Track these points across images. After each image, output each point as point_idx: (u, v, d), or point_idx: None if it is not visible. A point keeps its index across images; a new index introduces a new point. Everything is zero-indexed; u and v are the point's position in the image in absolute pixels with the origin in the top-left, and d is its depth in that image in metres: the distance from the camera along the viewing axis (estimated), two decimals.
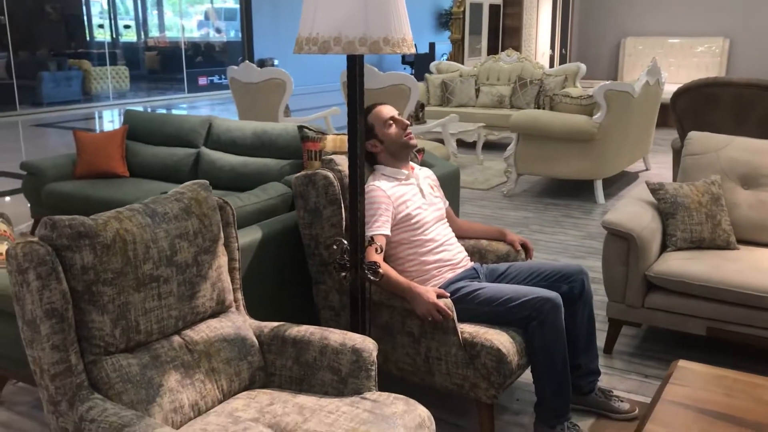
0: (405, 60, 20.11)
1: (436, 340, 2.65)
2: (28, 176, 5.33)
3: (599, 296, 3.50)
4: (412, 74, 10.88)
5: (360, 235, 2.47)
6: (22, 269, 1.86)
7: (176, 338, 2.15)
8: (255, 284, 2.82)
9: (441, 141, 7.28)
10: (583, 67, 9.19)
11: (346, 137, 2.89)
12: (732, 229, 3.48)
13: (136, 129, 5.52)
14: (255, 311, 2.51)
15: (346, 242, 2.49)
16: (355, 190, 2.44)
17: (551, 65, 12.59)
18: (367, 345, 2.23)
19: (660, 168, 7.79)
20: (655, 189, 3.52)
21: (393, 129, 2.92)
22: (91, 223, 1.94)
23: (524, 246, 3.15)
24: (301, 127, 4.60)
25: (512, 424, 2.87)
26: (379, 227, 2.77)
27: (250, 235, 2.82)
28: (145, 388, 1.98)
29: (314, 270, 2.94)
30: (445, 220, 3.06)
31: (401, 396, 2.16)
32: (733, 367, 3.12)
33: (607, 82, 6.17)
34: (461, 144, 9.05)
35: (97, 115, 13.98)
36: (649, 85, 6.77)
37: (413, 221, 2.86)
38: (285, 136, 4.77)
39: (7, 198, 6.69)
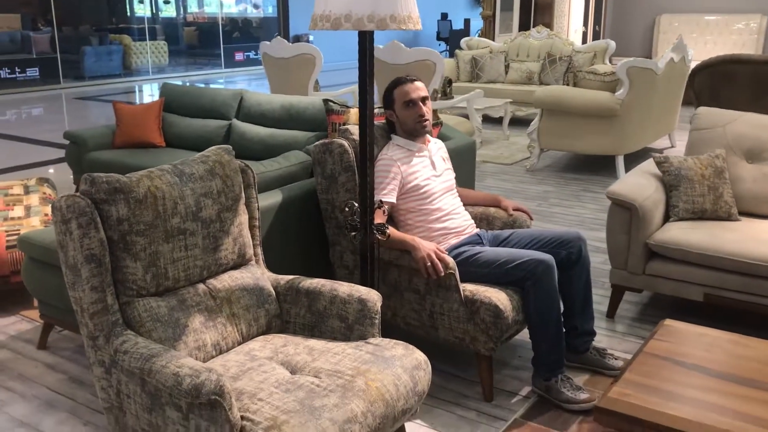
0: (440, 36, 20.11)
1: (439, 297, 2.87)
2: (71, 145, 5.65)
3: (605, 264, 3.67)
4: (446, 50, 10.91)
5: (369, 198, 2.69)
6: (66, 219, 2.12)
7: (201, 286, 2.41)
8: (276, 243, 3.07)
9: (468, 116, 7.43)
10: (612, 44, 9.22)
11: None
12: (734, 201, 3.61)
13: (172, 101, 5.79)
14: (276, 267, 2.75)
15: (357, 205, 2.71)
16: (365, 158, 2.65)
17: (584, 42, 12.57)
18: (372, 296, 2.46)
19: (685, 145, 7.83)
20: (660, 161, 3.67)
21: (409, 111, 3.09)
22: (125, 180, 2.19)
23: (520, 209, 3.34)
24: (326, 101, 4.81)
25: (512, 377, 3.08)
26: (386, 195, 2.99)
27: (272, 198, 3.06)
28: (172, 327, 2.24)
29: (331, 232, 3.18)
30: (455, 190, 3.25)
31: (401, 342, 2.39)
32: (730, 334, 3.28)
33: (630, 59, 6.25)
34: (488, 120, 9.18)
35: (136, 89, 14.38)
36: (674, 62, 6.82)
37: (421, 191, 3.06)
38: (311, 109, 4.98)
39: (51, 169, 7.05)
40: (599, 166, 6.84)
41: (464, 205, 3.40)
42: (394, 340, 2.40)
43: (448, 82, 8.16)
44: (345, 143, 3.03)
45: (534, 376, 2.94)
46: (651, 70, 6.33)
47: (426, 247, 2.80)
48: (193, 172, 2.39)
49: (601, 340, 3.37)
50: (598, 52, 9.10)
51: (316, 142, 3.11)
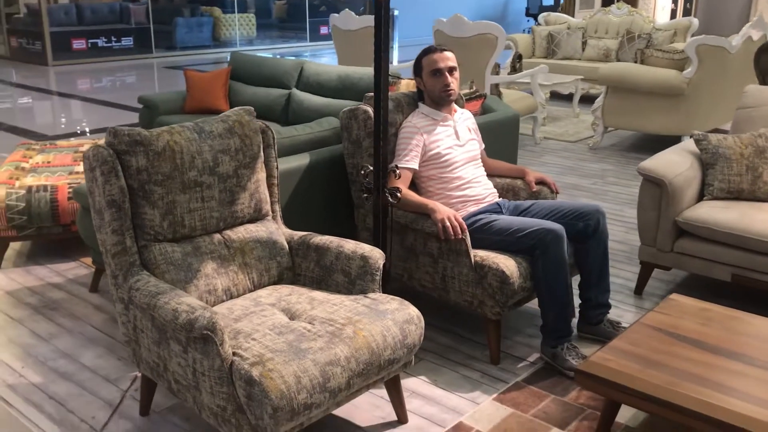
0: (529, 12, 19.75)
1: (451, 261, 2.97)
2: (144, 109, 5.99)
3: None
4: (535, 25, 10.68)
5: (382, 162, 2.81)
6: (92, 167, 2.34)
7: (217, 236, 2.60)
8: (303, 203, 3.24)
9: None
10: (695, 22, 8.88)
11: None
12: None
13: (238, 70, 6.05)
14: (301, 226, 2.89)
15: (371, 168, 2.84)
16: (378, 123, 2.77)
17: (672, 19, 12.11)
18: (374, 254, 2.59)
19: None
20: (699, 139, 3.61)
21: (435, 80, 3.17)
22: (146, 134, 2.40)
23: (545, 182, 3.37)
24: None
25: (523, 344, 3.15)
26: (408, 161, 3.10)
27: (300, 161, 3.22)
28: (185, 270, 2.44)
29: (356, 195, 3.32)
30: (478, 161, 3.32)
31: (398, 297, 2.51)
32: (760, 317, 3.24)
33: (701, 36, 6.05)
34: (558, 96, 9.07)
35: (226, 60, 14.86)
36: (752, 40, 6.54)
37: (442, 159, 3.15)
38: (366, 80, 5.11)
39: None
40: (664, 147, 6.65)
41: (491, 176, 3.47)
42: (392, 296, 2.52)
43: (518, 57, 8.11)
44: (369, 109, 3.14)
45: (542, 343, 3.00)
46: (723, 49, 6.12)
47: (445, 210, 2.90)
48: (212, 129, 2.57)
49: (623, 316, 3.39)
50: (679, 30, 8.80)
51: (344, 108, 3.24)
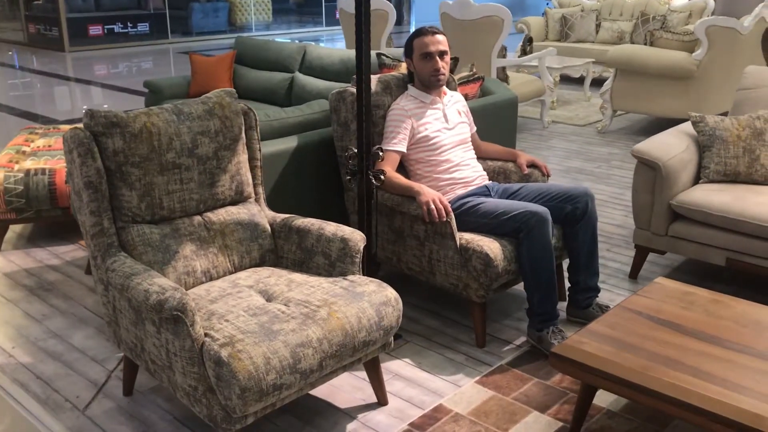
0: None
1: (436, 244, 2.95)
2: (150, 93, 6.02)
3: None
4: (548, 8, 10.53)
5: (366, 145, 2.80)
6: (70, 149, 2.36)
7: (197, 218, 2.61)
8: (291, 187, 3.24)
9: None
10: (711, 3, 8.71)
11: None
12: None
13: (243, 54, 6.04)
14: (290, 210, 2.88)
15: (355, 150, 2.83)
16: (361, 106, 2.75)
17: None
18: (354, 236, 2.58)
19: None
20: (696, 121, 3.55)
21: (425, 63, 3.14)
22: (123, 116, 2.41)
23: (536, 165, 3.33)
24: (379, 54, 4.91)
25: (511, 327, 3.13)
26: (396, 144, 3.08)
27: (287, 144, 3.21)
28: (162, 252, 2.45)
29: (344, 179, 3.31)
30: (469, 144, 3.29)
31: (377, 280, 2.50)
32: (756, 301, 3.20)
33: (711, 17, 5.94)
34: (570, 80, 8.98)
35: None
36: (766, 21, 6.40)
37: (430, 142, 3.13)
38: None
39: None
40: None
41: (483, 159, 3.44)
42: (371, 278, 2.52)
43: (529, 40, 8.03)
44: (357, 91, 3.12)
45: (528, 326, 2.98)
46: (734, 30, 5.99)
47: (430, 193, 2.88)
48: (191, 111, 2.58)
49: (615, 300, 3.36)
50: (695, 12, 8.64)
51: (333, 90, 3.23)
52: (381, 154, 2.92)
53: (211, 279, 2.57)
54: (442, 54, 3.14)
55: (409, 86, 3.26)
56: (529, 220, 2.80)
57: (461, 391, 2.67)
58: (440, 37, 3.16)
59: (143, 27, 13.92)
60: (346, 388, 2.70)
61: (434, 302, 3.35)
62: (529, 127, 6.93)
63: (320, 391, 2.66)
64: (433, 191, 2.91)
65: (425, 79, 3.16)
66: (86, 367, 2.85)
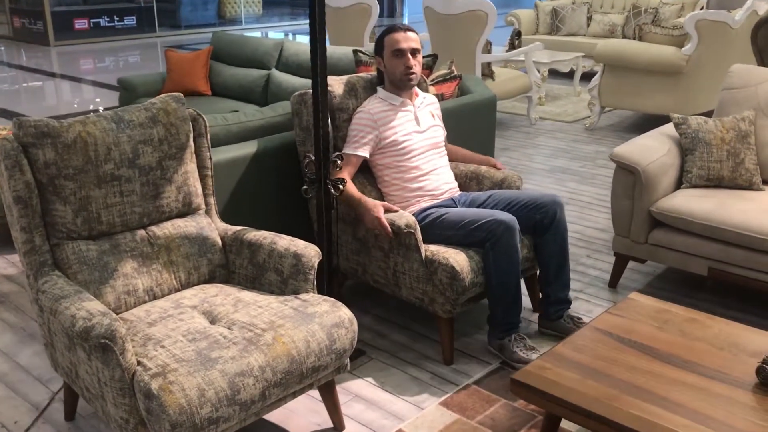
0: None
1: (401, 256, 2.79)
2: (123, 91, 5.84)
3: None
4: (539, 0, 10.31)
5: (323, 152, 2.64)
6: None
7: (140, 232, 2.45)
8: (251, 195, 3.07)
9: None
10: None
11: None
12: (758, 169, 3.29)
13: (220, 50, 5.87)
14: (248, 222, 2.72)
15: (312, 157, 2.66)
16: (317, 110, 2.59)
17: None
18: (308, 251, 2.42)
19: None
20: (679, 123, 3.39)
21: (396, 62, 2.97)
22: (55, 125, 2.24)
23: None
24: (355, 51, 4.74)
25: (481, 341, 2.97)
26: (357, 148, 2.92)
27: (244, 149, 3.03)
28: (99, 270, 2.29)
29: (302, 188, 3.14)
30: (442, 149, 3.13)
31: (331, 299, 2.35)
32: (739, 312, 3.05)
33: (701, 11, 5.76)
34: (559, 74, 8.80)
35: None
36: (758, 14, 6.22)
37: (399, 147, 2.97)
38: (345, 60, 4.90)
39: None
40: None
41: (457, 161, 3.29)
42: (324, 297, 2.36)
43: (517, 34, 7.85)
44: None
45: (489, 335, 2.85)
46: (725, 24, 5.82)
47: (374, 212, 2.72)
48: (132, 119, 2.41)
49: (592, 311, 3.21)
50: (687, 4, 8.45)
51: (295, 93, 3.06)
52: (339, 162, 2.76)
53: (155, 298, 2.41)
54: (414, 52, 2.98)
55: (378, 88, 3.10)
56: (495, 229, 2.65)
57: (423, 414, 2.52)
58: (412, 35, 3.00)
59: (130, 20, 13.69)
60: (301, 411, 2.55)
61: (402, 315, 3.20)
62: (516, 124, 6.76)
63: (273, 415, 2.51)
64: (377, 206, 2.74)
65: (396, 79, 3.00)
66: (29, 389, 2.70)
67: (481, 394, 2.63)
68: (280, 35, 15.03)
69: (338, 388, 2.65)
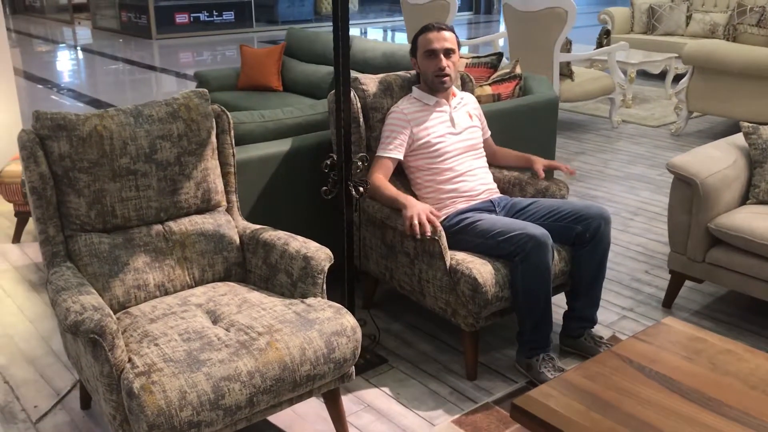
0: None
1: (425, 263, 2.68)
2: (199, 84, 5.97)
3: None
4: None
5: (346, 153, 2.56)
6: (19, 152, 2.24)
7: (157, 227, 2.45)
8: (283, 194, 3.03)
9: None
10: None
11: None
12: None
13: (292, 46, 5.91)
14: (279, 219, 2.66)
15: (335, 157, 2.59)
16: (339, 111, 2.52)
17: None
18: (319, 255, 2.34)
19: None
20: (749, 132, 3.10)
21: (429, 62, 2.87)
22: (71, 118, 2.27)
23: (555, 168, 3.00)
24: None
25: (509, 357, 2.82)
26: (391, 150, 2.83)
27: (277, 147, 2.99)
28: (110, 264, 2.30)
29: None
30: (480, 150, 2.99)
31: (336, 305, 2.27)
32: None
33: None
34: (649, 76, 8.37)
35: None
36: None
37: (432, 149, 2.85)
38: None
39: None
40: None
41: (500, 167, 3.14)
42: (330, 302, 2.28)
43: (606, 33, 7.52)
44: (352, 93, 2.89)
45: (518, 353, 2.69)
46: None
47: (418, 207, 2.60)
48: (152, 114, 2.41)
49: (636, 331, 2.97)
50: None
51: (332, 91, 3.00)
52: (360, 164, 2.67)
53: (166, 293, 2.41)
54: (447, 52, 2.85)
55: (414, 87, 2.99)
56: (525, 244, 2.49)
57: (433, 431, 2.40)
58: (447, 34, 2.87)
59: (228, 15, 14.08)
60: (309, 417, 2.48)
61: (432, 323, 3.08)
62: (596, 127, 6.46)
63: (279, 418, 2.46)
64: (423, 205, 2.62)
65: (429, 80, 2.89)
66: (56, 374, 2.76)
67: (499, 414, 2.48)
68: (378, 31, 15.06)
69: (351, 396, 2.58)
